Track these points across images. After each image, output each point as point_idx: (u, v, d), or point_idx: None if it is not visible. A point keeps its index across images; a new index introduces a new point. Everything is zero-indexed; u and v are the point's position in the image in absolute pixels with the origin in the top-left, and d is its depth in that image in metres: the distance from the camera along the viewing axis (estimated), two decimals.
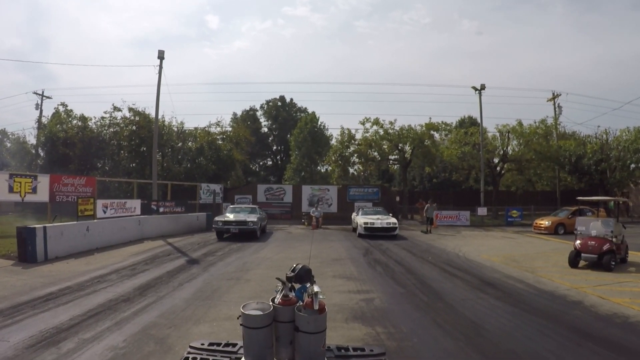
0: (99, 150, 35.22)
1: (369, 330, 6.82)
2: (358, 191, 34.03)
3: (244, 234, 20.34)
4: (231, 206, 25.11)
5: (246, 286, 10.02)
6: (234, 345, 3.70)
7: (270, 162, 62.35)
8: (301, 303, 3.40)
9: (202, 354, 3.54)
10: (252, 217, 20.87)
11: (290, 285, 3.53)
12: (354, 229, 24.05)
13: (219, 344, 3.74)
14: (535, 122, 36.20)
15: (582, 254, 12.43)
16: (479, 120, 37.44)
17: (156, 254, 15.06)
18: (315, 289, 3.38)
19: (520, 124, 35.77)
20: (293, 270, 3.58)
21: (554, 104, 40.46)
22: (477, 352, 5.87)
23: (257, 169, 61.30)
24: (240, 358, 3.39)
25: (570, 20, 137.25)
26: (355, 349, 3.67)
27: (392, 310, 8.06)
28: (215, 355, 3.53)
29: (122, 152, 35.94)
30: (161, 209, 23.39)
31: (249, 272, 11.86)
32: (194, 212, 26.86)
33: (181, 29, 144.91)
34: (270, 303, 3.44)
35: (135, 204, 21.39)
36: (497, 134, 37.19)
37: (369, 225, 21.44)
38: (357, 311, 7.92)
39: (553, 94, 40.66)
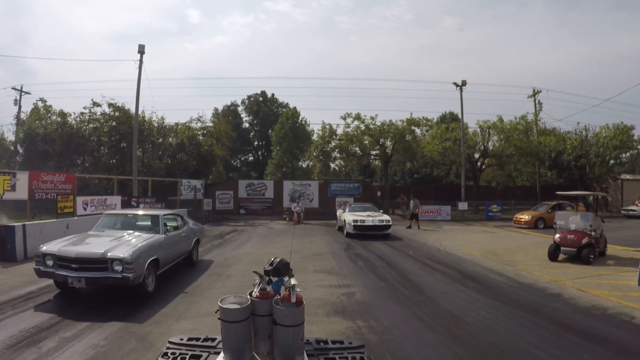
0: (79, 146, 34.64)
1: (350, 324, 6.79)
2: (339, 186, 33.96)
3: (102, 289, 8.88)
4: (108, 214, 11.02)
5: (227, 282, 9.93)
6: (213, 339, 3.66)
7: (252, 158, 61.98)
8: (279, 296, 3.36)
9: (181, 349, 3.49)
10: (125, 248, 8.12)
11: (267, 278, 3.49)
12: (340, 228, 21.82)
13: (197, 339, 3.70)
14: (515, 118, 36.53)
15: (562, 248, 12.56)
16: (460, 116, 37.63)
17: None
18: (293, 281, 3.33)
19: (501, 119, 36.05)
20: (271, 264, 3.54)
21: (535, 100, 40.89)
22: (458, 345, 5.87)
23: (239, 165, 60.90)
24: (219, 352, 3.35)
25: (552, 19, 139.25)
26: (334, 342, 3.64)
27: (373, 304, 8.05)
28: (194, 350, 3.49)
29: (102, 148, 35.41)
30: (142, 205, 23.15)
31: (230, 267, 11.76)
32: (174, 208, 26.52)
33: (162, 23, 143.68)
34: (248, 297, 3.39)
35: (115, 201, 21.18)
36: (478, 130, 37.43)
37: (359, 224, 18.84)
38: (339, 305, 7.89)
39: (534, 90, 41.07)
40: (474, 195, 35.82)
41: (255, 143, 60.87)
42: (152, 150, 35.81)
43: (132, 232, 9.64)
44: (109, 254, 7.79)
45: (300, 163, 48.33)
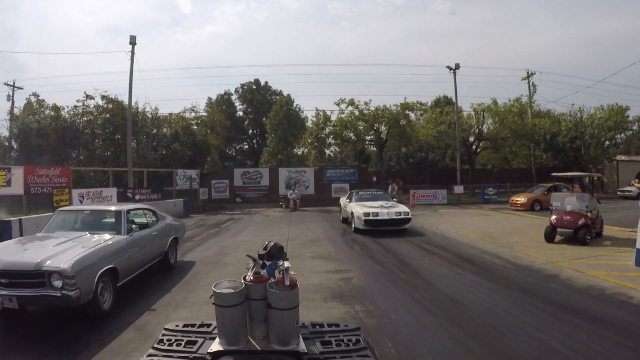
0: (73, 139, 34.49)
1: (348, 308, 6.78)
2: (335, 172, 33.90)
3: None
4: (63, 211, 9.05)
5: (224, 270, 9.90)
6: (209, 325, 3.65)
7: (247, 146, 61.83)
8: (273, 280, 3.33)
9: (176, 335, 3.48)
10: (68, 256, 6.25)
11: (261, 262, 3.47)
12: (345, 220, 18.91)
13: (193, 325, 3.69)
14: (510, 101, 36.48)
15: (558, 229, 12.55)
16: (454, 99, 37.54)
17: None
18: (286, 264, 3.32)
19: (495, 102, 35.96)
20: (265, 248, 3.53)
21: (529, 82, 40.74)
22: (456, 327, 5.86)
23: (234, 154, 60.75)
24: (215, 338, 3.34)
25: (543, 0, 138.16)
26: (330, 325, 3.64)
27: (370, 288, 8.03)
28: (190, 336, 3.47)
29: (96, 140, 35.21)
30: (137, 196, 23.18)
31: (227, 255, 11.74)
32: (171, 198, 26.50)
33: (152, 14, 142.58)
34: (242, 281, 3.37)
35: (111, 192, 21.17)
36: (473, 113, 37.36)
37: (371, 218, 15.38)
38: (336, 290, 7.88)
39: (527, 72, 40.89)
40: (470, 178, 35.86)
41: (250, 131, 60.68)
42: (146, 141, 35.65)
43: (86, 233, 7.75)
44: (45, 265, 5.94)
45: (295, 150, 48.29)
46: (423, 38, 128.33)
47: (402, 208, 16.26)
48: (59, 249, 6.52)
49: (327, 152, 43.38)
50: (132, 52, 26.24)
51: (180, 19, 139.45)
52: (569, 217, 12.50)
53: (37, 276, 5.91)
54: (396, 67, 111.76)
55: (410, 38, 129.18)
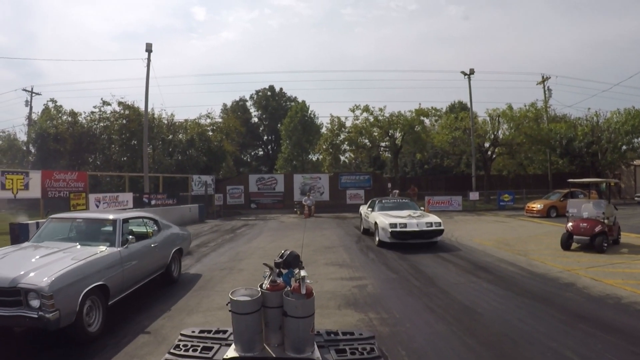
0: (90, 145, 35.12)
1: (362, 316, 6.81)
2: (350, 179, 33.88)
3: None
4: (55, 218, 8.20)
5: (239, 276, 9.98)
6: (225, 332, 3.70)
7: (262, 152, 62.12)
8: (289, 288, 3.39)
9: (192, 341, 3.54)
10: (48, 272, 5.56)
11: (278, 271, 3.53)
12: (366, 231, 17.26)
13: (209, 331, 3.74)
14: (525, 106, 36.25)
15: (575, 236, 12.43)
16: (469, 105, 37.39)
17: None
18: (302, 273, 3.36)
19: (510, 107, 35.75)
20: (281, 256, 3.57)
21: (544, 87, 40.45)
22: (470, 336, 5.86)
23: (249, 160, 61.06)
24: (231, 344, 3.40)
25: (556, 3, 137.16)
26: (344, 333, 3.67)
27: (384, 296, 8.05)
28: (206, 342, 3.53)
29: (112, 146, 35.75)
30: (153, 202, 23.35)
31: (242, 261, 11.82)
32: (186, 204, 26.72)
33: (167, 20, 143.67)
34: (259, 289, 3.43)
35: (127, 197, 21.41)
36: (488, 119, 37.17)
37: (398, 230, 13.44)
38: (350, 298, 7.91)
39: (542, 76, 40.62)
40: (485, 184, 35.65)
41: (265, 137, 61.00)
42: (162, 147, 36.06)
43: (76, 244, 7.03)
44: (21, 282, 5.25)
45: (310, 156, 48.37)
46: (437, 43, 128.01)
47: (433, 218, 14.32)
48: (41, 262, 5.85)
49: (342, 158, 43.47)
50: (149, 59, 26.58)
51: (196, 25, 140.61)
52: (585, 224, 12.37)
53: (13, 294, 5.22)
54: (410, 73, 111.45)
55: (425, 43, 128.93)
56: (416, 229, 13.45)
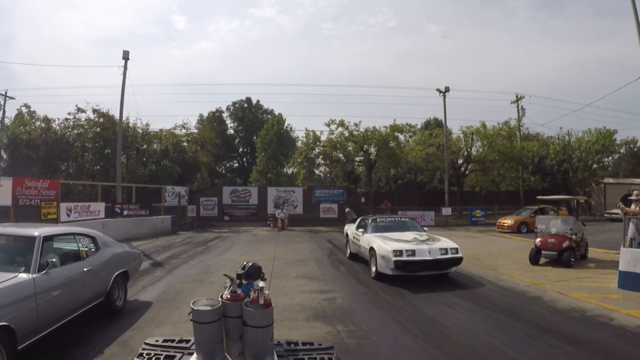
0: (63, 152, 34.45)
1: (330, 328, 6.78)
2: (324, 192, 33.95)
3: None
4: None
5: (209, 288, 9.86)
6: (188, 341, 3.72)
7: (237, 164, 61.87)
8: (248, 299, 3.40)
9: (156, 350, 3.54)
10: None
11: (238, 281, 3.54)
12: (354, 256, 13.97)
13: (172, 340, 3.75)
14: (498, 124, 37.10)
15: (543, 251, 12.66)
16: (443, 122, 37.91)
17: None
18: (261, 284, 3.40)
19: (484, 125, 36.46)
20: (243, 268, 3.60)
21: (517, 106, 41.18)
22: (435, 348, 5.88)
23: (223, 171, 60.79)
24: (193, 353, 3.39)
25: (536, 26, 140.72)
26: (304, 344, 3.70)
27: (353, 309, 8.03)
28: (169, 351, 3.53)
29: (86, 154, 35.19)
30: (125, 212, 23.05)
31: (213, 274, 11.69)
32: (159, 214, 26.42)
33: (147, 28, 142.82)
34: (219, 299, 3.43)
35: (99, 207, 21.09)
36: (462, 136, 37.78)
37: (405, 258, 10.14)
38: (319, 310, 7.88)
39: (516, 96, 41.32)
40: (458, 200, 36.09)
41: (240, 149, 60.79)
42: (136, 157, 35.66)
43: None
44: None
45: (284, 169, 48.33)
46: (415, 61, 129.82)
47: (447, 242, 11.10)
48: None
49: (317, 172, 43.53)
50: (125, 67, 26.34)
51: (175, 34, 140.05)
52: (553, 240, 12.62)
53: None
54: (387, 89, 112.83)
55: (402, 60, 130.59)
56: (428, 257, 10.23)
